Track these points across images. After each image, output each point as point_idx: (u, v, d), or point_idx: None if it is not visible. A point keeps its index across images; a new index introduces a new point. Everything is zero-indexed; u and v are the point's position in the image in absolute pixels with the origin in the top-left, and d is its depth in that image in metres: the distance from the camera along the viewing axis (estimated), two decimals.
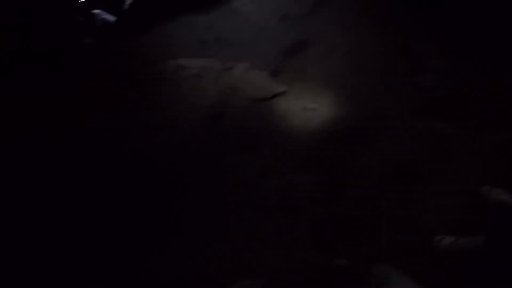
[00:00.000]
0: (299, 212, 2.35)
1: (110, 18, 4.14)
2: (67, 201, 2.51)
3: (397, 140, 2.62)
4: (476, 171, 2.36)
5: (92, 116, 3.09)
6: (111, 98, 3.25)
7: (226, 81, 3.10)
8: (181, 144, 2.76)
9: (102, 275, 2.11)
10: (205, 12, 3.98)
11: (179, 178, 2.58)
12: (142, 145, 2.81)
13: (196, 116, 2.92)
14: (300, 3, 3.89)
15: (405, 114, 2.76)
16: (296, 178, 2.47)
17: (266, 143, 2.69)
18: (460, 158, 2.46)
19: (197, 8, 3.98)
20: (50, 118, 3.12)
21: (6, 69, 3.40)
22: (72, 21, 3.94)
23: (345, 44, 3.35)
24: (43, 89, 3.36)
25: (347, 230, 2.25)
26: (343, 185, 2.43)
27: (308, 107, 2.94)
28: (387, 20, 3.48)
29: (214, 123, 2.86)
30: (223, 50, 3.50)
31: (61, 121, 3.08)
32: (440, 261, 2.04)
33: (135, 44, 3.82)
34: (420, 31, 3.32)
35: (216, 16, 3.96)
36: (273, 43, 3.48)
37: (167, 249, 2.24)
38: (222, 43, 3.62)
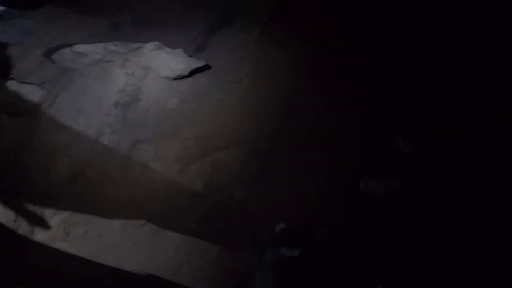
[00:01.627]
0: (230, 191, 2.14)
1: None
2: None
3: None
4: None
5: None
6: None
7: (136, 62, 2.73)
8: (92, 142, 2.36)
9: None
10: None
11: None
12: (43, 152, 2.36)
13: (105, 106, 2.52)
14: None
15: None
16: (222, 157, 2.25)
17: (187, 125, 2.41)
18: None
19: None
20: None
21: None
22: None
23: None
24: None
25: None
26: (270, 156, 2.28)
27: (231, 80, 2.71)
28: None
29: (126, 110, 2.50)
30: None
31: None
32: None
33: None
34: None
35: None
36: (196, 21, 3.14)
37: None
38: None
